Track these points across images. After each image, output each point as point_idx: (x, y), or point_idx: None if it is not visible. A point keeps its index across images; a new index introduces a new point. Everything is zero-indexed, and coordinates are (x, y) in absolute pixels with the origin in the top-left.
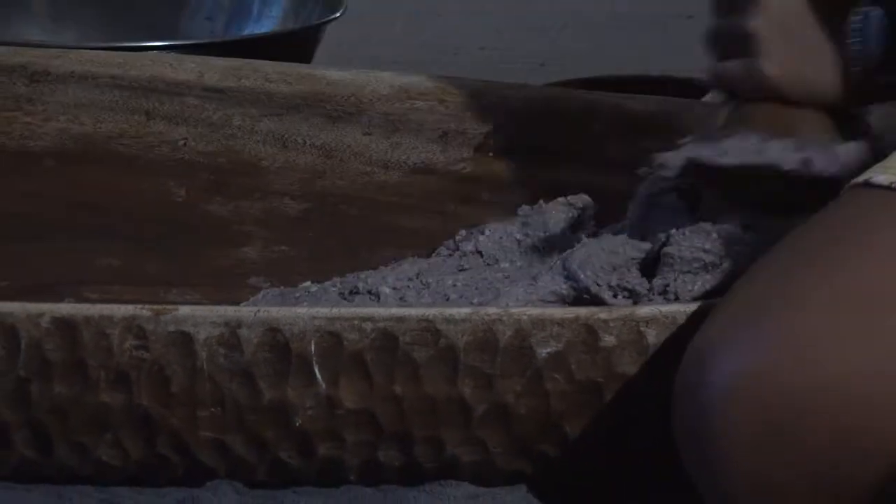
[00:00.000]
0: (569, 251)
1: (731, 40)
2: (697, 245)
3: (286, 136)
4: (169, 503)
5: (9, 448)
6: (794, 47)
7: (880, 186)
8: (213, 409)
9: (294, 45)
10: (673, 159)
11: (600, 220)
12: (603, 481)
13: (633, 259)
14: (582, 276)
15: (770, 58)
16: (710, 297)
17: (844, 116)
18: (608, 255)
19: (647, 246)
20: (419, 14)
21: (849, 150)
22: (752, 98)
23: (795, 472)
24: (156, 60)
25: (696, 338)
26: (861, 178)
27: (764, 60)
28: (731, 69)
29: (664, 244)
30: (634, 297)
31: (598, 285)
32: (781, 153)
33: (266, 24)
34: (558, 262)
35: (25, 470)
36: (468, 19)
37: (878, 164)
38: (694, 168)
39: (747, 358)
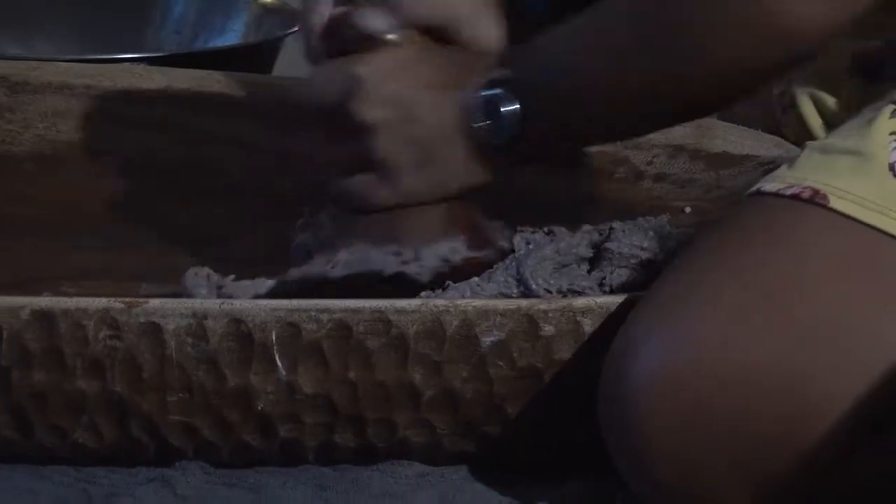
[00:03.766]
0: (523, 251)
1: (353, 163)
2: (636, 243)
3: (247, 140)
4: (140, 482)
5: None
6: (417, 154)
7: (768, 193)
8: (181, 394)
9: (255, 57)
10: (291, 275)
11: None
12: (540, 459)
13: (584, 259)
14: (534, 285)
15: (392, 177)
16: (642, 289)
17: None
18: (562, 257)
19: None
20: None
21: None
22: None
23: (712, 455)
24: (127, 71)
25: (622, 331)
26: (753, 189)
27: (389, 181)
28: (356, 189)
29: (607, 238)
30: None
31: (549, 292)
32: (383, 260)
33: (230, 37)
34: (512, 262)
35: (7, 451)
36: None
37: (769, 175)
38: (313, 284)
39: (668, 350)
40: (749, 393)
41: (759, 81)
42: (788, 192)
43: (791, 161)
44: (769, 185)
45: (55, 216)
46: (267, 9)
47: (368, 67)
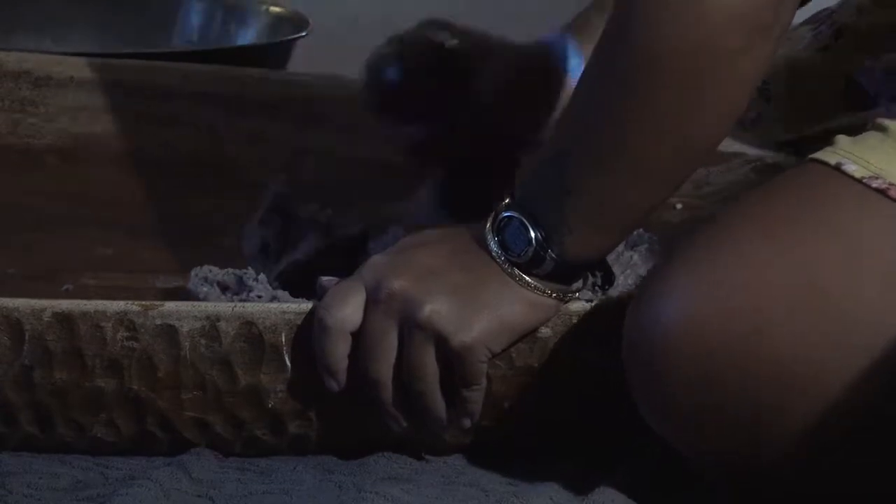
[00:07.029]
0: None
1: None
2: (629, 284)
3: (260, 134)
4: (157, 466)
5: (14, 426)
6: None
7: (851, 177)
8: (195, 392)
9: (266, 58)
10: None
11: None
12: (533, 451)
13: None
14: None
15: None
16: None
17: None
18: None
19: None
20: (377, 33)
21: None
22: None
23: (722, 404)
24: (146, 67)
25: (653, 278)
26: (832, 161)
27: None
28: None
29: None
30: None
31: None
32: None
33: (243, 42)
34: None
35: (29, 445)
36: None
37: (841, 148)
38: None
39: (702, 302)
40: (762, 365)
41: (733, 69)
42: (874, 184)
43: (869, 139)
44: (851, 165)
45: (76, 209)
46: (279, 17)
47: (372, 274)
